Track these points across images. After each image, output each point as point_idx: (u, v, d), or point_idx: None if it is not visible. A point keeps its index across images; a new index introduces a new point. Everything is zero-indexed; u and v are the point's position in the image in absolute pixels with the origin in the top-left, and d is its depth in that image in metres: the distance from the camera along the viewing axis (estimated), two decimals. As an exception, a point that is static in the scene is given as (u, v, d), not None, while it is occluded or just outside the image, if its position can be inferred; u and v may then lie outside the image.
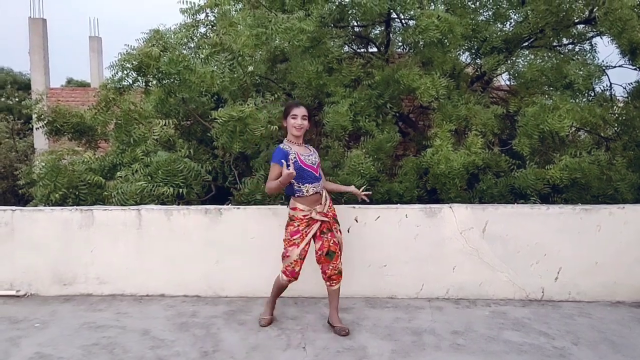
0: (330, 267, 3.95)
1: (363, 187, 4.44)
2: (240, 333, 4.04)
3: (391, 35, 6.66)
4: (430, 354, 3.68)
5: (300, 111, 3.94)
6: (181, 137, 5.99)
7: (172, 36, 5.74)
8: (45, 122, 6.05)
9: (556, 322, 4.18)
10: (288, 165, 3.80)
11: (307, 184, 3.92)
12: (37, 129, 6.00)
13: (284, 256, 3.98)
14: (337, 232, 4.01)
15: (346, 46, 6.67)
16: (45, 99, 6.28)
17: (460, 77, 6.58)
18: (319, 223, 3.94)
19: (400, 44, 6.88)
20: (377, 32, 6.90)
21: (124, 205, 4.80)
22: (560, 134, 5.43)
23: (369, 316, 4.31)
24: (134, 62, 5.28)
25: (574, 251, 4.49)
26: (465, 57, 6.66)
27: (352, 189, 4.34)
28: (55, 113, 6.06)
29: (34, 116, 6.06)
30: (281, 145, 4.00)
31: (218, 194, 5.77)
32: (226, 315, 4.36)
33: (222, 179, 5.80)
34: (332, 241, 3.95)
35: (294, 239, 3.93)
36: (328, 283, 4.01)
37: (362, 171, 5.45)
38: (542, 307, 4.45)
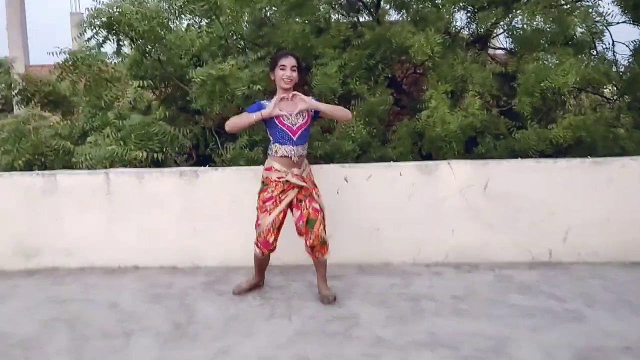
0: (312, 237, 3.43)
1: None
2: (218, 303, 3.57)
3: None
4: (430, 320, 3.22)
5: (289, 61, 3.41)
6: (160, 103, 5.48)
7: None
8: (15, 91, 5.53)
9: (566, 285, 3.71)
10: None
11: (277, 143, 3.43)
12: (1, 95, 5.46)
13: (256, 225, 3.50)
14: (316, 196, 3.50)
15: (333, 6, 6.14)
16: (13, 68, 5.73)
17: (456, 39, 6.10)
18: (296, 189, 3.43)
19: (389, 6, 6.39)
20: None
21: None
22: (563, 90, 4.95)
23: (361, 283, 3.83)
24: (103, 19, 4.77)
25: (583, 208, 4.01)
26: (460, 18, 6.17)
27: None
28: (25, 81, 5.53)
29: (3, 85, 5.53)
30: (263, 100, 3.54)
31: (199, 161, 5.26)
32: (204, 285, 3.88)
33: (204, 146, 5.30)
34: (311, 207, 3.45)
35: (266, 205, 3.45)
36: (312, 256, 3.52)
37: (353, 135, 4.96)
38: (551, 270, 3.98)
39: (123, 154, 4.41)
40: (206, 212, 4.15)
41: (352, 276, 3.97)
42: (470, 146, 5.26)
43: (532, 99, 5.01)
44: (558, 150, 4.99)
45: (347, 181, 4.10)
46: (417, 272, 4.01)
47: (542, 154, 4.84)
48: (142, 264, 4.22)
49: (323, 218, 3.49)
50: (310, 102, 3.40)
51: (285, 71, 3.40)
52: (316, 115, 3.54)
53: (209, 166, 4.35)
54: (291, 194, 3.44)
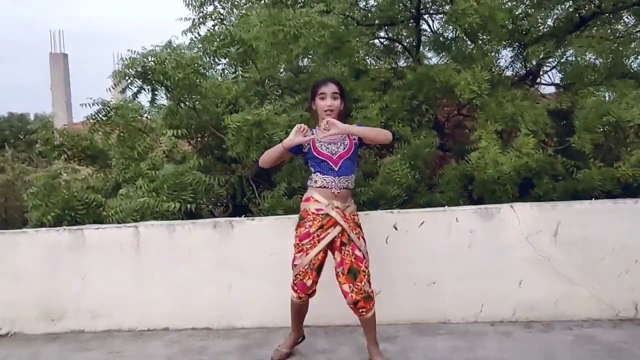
0: (354, 290, 2.94)
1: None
2: (256, 372, 3.05)
3: (422, 34, 5.80)
4: (508, 394, 2.62)
5: (330, 89, 3.04)
6: (196, 153, 5.16)
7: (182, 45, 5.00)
8: (51, 146, 5.31)
9: (664, 347, 3.05)
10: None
11: (317, 173, 3.03)
12: (39, 151, 5.23)
13: (292, 266, 3.04)
14: (359, 239, 3.00)
15: (373, 47, 5.82)
16: (52, 125, 5.55)
17: (502, 77, 5.67)
18: (338, 228, 2.96)
19: (428, 49, 6.04)
20: (406, 32, 6.04)
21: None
22: (631, 124, 4.40)
23: (418, 346, 3.27)
24: (137, 68, 4.53)
25: (674, 255, 3.38)
26: (506, 55, 5.75)
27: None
28: (63, 136, 5.32)
29: (39, 141, 5.32)
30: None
31: (236, 212, 4.87)
32: (240, 350, 3.38)
33: (241, 195, 4.91)
34: (354, 255, 2.96)
35: (303, 244, 3.00)
36: (356, 312, 3.01)
37: (398, 179, 4.51)
38: (639, 328, 3.33)
39: (155, 206, 4.05)
40: (242, 266, 3.71)
41: (407, 337, 3.41)
42: (525, 189, 4.72)
43: (593, 136, 4.49)
44: (627, 191, 4.39)
45: (396, 229, 3.61)
46: (482, 332, 3.42)
47: (609, 195, 4.27)
48: (172, 326, 3.76)
49: (367, 268, 2.99)
50: (341, 126, 2.92)
51: (326, 100, 3.03)
52: (360, 142, 3.11)
53: (245, 216, 3.92)
54: (333, 233, 2.97)
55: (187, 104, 4.89)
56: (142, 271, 3.75)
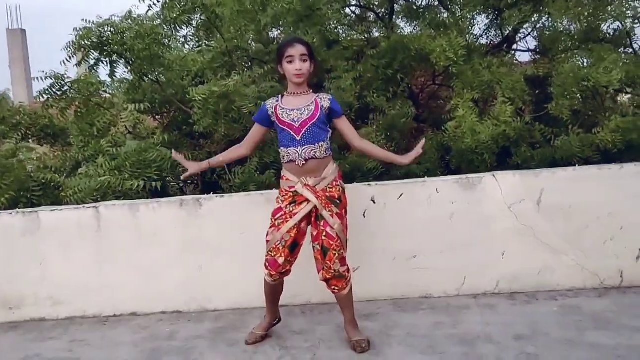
0: (325, 268, 2.72)
1: (420, 144, 3.00)
2: (229, 357, 2.81)
3: (394, 2, 5.49)
4: (497, 371, 2.43)
5: (297, 50, 2.70)
6: (162, 128, 4.81)
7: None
8: (8, 125, 4.89)
9: (651, 315, 2.91)
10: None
11: (282, 147, 2.79)
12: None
13: (266, 242, 2.80)
14: (332, 216, 2.71)
15: (345, 16, 5.50)
16: (8, 102, 5.12)
17: (477, 46, 5.42)
18: (311, 204, 2.72)
19: (402, 15, 5.75)
20: (378, 1, 5.73)
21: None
22: (609, 89, 4.22)
23: (400, 323, 3.07)
24: (93, 39, 4.14)
25: (659, 220, 3.22)
26: (481, 22, 5.50)
27: (407, 157, 2.99)
28: (19, 114, 4.90)
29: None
30: (267, 102, 2.87)
31: (206, 189, 4.56)
32: (212, 334, 3.13)
33: (210, 172, 4.60)
34: (325, 232, 2.70)
35: (275, 219, 2.77)
36: (329, 288, 2.80)
37: (374, 151, 4.25)
38: (625, 296, 3.20)
39: (117, 185, 3.72)
40: (213, 246, 3.43)
41: (388, 314, 3.21)
42: (503, 158, 4.53)
43: (570, 102, 4.30)
44: (606, 157, 4.24)
45: (374, 202, 3.38)
46: (465, 306, 3.24)
47: (587, 162, 4.10)
48: (140, 310, 3.49)
49: (340, 246, 2.72)
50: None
51: (294, 64, 2.71)
52: (331, 113, 2.83)
53: (215, 193, 3.62)
54: (305, 209, 2.73)
55: (150, 77, 4.53)
56: (105, 254, 3.45)
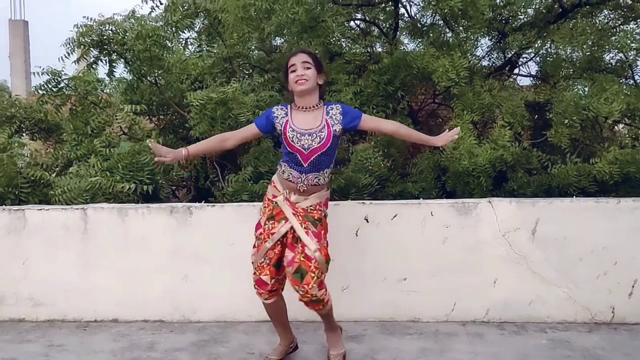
0: (301, 292, 2.52)
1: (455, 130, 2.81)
2: (209, 373, 2.70)
3: (399, 18, 5.44)
4: (483, 407, 2.34)
5: (299, 58, 2.56)
6: (158, 131, 4.71)
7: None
8: (3, 117, 4.77)
9: (641, 354, 2.83)
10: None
11: (285, 163, 2.64)
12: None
13: (251, 262, 2.68)
14: (308, 234, 2.53)
15: (349, 29, 5.43)
16: (4, 93, 5.03)
17: (479, 68, 5.37)
18: (289, 223, 2.56)
19: (405, 34, 5.70)
20: (383, 15, 5.67)
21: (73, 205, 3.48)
22: (609, 120, 4.17)
23: (386, 347, 2.97)
24: (93, 37, 4.05)
25: (653, 258, 3.15)
26: (484, 44, 5.45)
27: (440, 139, 2.79)
28: (14, 107, 4.78)
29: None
30: (276, 107, 2.69)
31: (199, 195, 4.47)
32: (194, 347, 3.02)
33: (204, 179, 4.51)
34: (303, 254, 2.51)
35: (257, 237, 2.64)
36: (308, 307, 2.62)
37: (370, 167, 4.19)
38: (615, 333, 3.11)
39: (108, 186, 3.63)
40: (200, 255, 3.33)
41: (375, 337, 3.11)
42: (499, 182, 4.47)
43: (570, 130, 4.24)
44: (603, 188, 4.18)
45: (367, 221, 3.28)
46: (453, 332, 3.15)
47: (584, 192, 4.04)
48: (122, 317, 3.38)
49: (318, 269, 2.50)
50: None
51: (297, 71, 2.55)
52: (351, 128, 2.67)
53: (206, 202, 3.53)
54: (284, 228, 2.57)
55: (149, 78, 4.44)
56: (90, 257, 3.34)
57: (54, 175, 3.99)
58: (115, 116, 4.12)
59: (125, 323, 3.35)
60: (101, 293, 3.36)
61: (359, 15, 5.84)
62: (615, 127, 5.33)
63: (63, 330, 3.29)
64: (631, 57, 4.97)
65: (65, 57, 4.06)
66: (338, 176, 4.13)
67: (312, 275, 2.49)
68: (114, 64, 4.26)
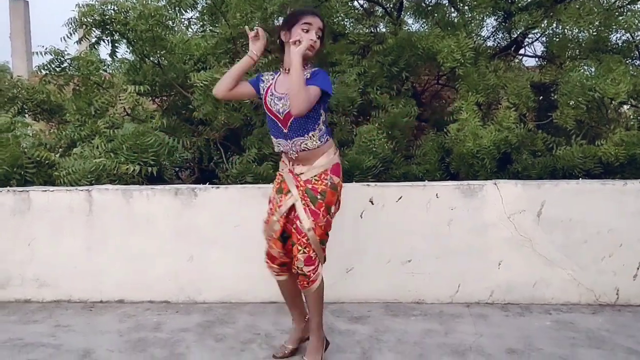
0: (295, 263, 2.45)
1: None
2: (216, 353, 2.70)
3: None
4: (489, 388, 2.34)
5: (316, 22, 2.36)
6: (161, 112, 4.65)
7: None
8: (5, 98, 4.71)
9: (645, 336, 2.82)
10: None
11: (272, 137, 2.54)
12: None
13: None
14: (305, 211, 2.42)
15: (352, 9, 5.32)
16: (6, 74, 4.95)
17: (484, 48, 5.27)
18: (294, 196, 2.45)
19: (410, 14, 5.60)
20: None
21: (78, 187, 3.45)
22: (617, 100, 4.10)
23: (391, 328, 2.96)
24: (95, 17, 3.98)
25: (659, 240, 3.12)
26: (489, 25, 5.34)
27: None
28: (16, 88, 4.72)
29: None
30: (266, 72, 2.60)
31: (203, 176, 4.44)
32: (200, 328, 3.01)
33: (208, 160, 4.47)
34: (295, 225, 2.45)
35: (268, 210, 2.56)
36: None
37: (374, 149, 4.13)
38: (619, 314, 3.10)
39: (112, 168, 3.59)
40: (205, 237, 3.31)
41: (379, 318, 3.10)
42: (503, 164, 4.42)
43: (576, 112, 4.18)
44: (608, 170, 4.13)
45: (372, 203, 3.25)
46: (457, 314, 3.14)
47: (589, 173, 4.00)
48: (128, 298, 3.37)
49: (306, 245, 2.41)
50: (296, 59, 2.27)
51: (310, 33, 2.35)
52: (325, 97, 2.44)
53: (210, 183, 3.50)
54: (289, 201, 2.46)
55: (152, 59, 4.37)
56: (95, 239, 3.32)
57: (58, 156, 3.96)
58: (119, 97, 4.07)
59: (131, 304, 3.35)
60: (106, 274, 3.35)
61: (363, -5, 5.74)
62: (621, 109, 5.27)
63: (69, 310, 3.29)
64: (638, 38, 4.88)
65: (67, 37, 3.99)
66: (342, 158, 4.09)
67: (299, 248, 2.42)
68: (116, 44, 4.19)
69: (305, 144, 2.43)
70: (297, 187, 2.45)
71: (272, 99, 2.44)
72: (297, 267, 2.43)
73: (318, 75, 2.41)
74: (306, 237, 2.41)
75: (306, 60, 2.39)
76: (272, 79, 2.53)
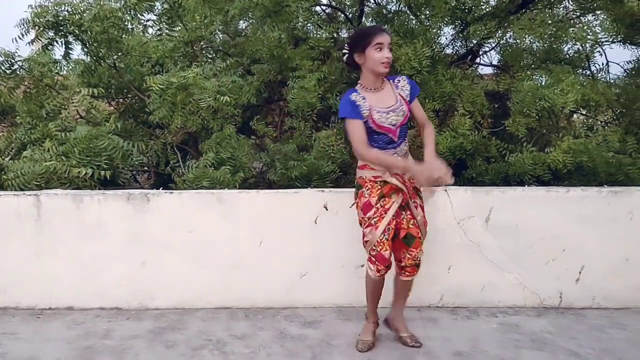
0: (407, 256, 2.73)
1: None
2: (165, 360, 2.69)
3: (364, 4, 5.41)
4: (432, 390, 2.41)
5: (387, 39, 2.57)
6: (118, 116, 4.60)
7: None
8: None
9: (585, 337, 2.96)
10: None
11: (374, 150, 2.65)
12: None
13: (364, 243, 2.70)
14: (417, 207, 2.74)
15: (314, 14, 5.37)
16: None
17: (441, 57, 5.40)
18: (400, 194, 2.66)
19: (371, 20, 5.69)
20: (349, 1, 5.63)
21: (26, 191, 3.39)
22: (565, 110, 4.28)
23: (343, 332, 3.01)
24: (48, 18, 3.91)
25: (600, 245, 3.29)
26: (447, 33, 5.48)
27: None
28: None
29: None
30: (351, 95, 2.65)
31: (159, 180, 4.40)
32: (151, 334, 3.00)
33: (165, 164, 4.44)
34: (411, 221, 2.71)
35: (369, 218, 2.64)
36: (400, 272, 2.82)
37: (332, 154, 4.20)
38: (562, 317, 3.23)
39: (63, 171, 3.53)
40: (158, 242, 3.30)
41: (331, 323, 3.15)
42: (458, 169, 4.54)
43: (527, 120, 4.33)
44: (556, 177, 4.29)
45: (327, 209, 3.29)
46: (408, 318, 3.18)
47: (539, 180, 4.15)
48: (77, 305, 3.33)
49: (424, 235, 2.79)
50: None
51: (384, 51, 2.56)
52: (412, 97, 2.78)
53: (164, 188, 3.48)
54: (398, 201, 2.66)
55: (107, 61, 4.32)
56: (44, 244, 3.26)
57: (7, 159, 3.88)
58: (72, 99, 4.00)
59: (80, 311, 3.30)
60: (56, 280, 3.30)
61: (324, 1, 5.80)
62: (573, 117, 5.48)
63: (16, 317, 3.22)
64: (588, 49, 5.09)
65: (19, 38, 3.92)
66: (300, 163, 4.13)
67: (420, 241, 2.73)
68: (70, 46, 4.13)
69: (406, 146, 2.76)
70: (406, 186, 2.67)
71: (380, 116, 2.61)
72: (417, 259, 2.75)
73: (414, 88, 2.80)
74: (423, 230, 2.76)
75: (384, 76, 2.67)
76: (364, 99, 2.63)
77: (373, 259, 2.69)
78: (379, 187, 2.66)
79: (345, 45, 2.74)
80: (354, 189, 2.82)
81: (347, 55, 2.70)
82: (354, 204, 2.81)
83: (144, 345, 2.87)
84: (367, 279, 2.80)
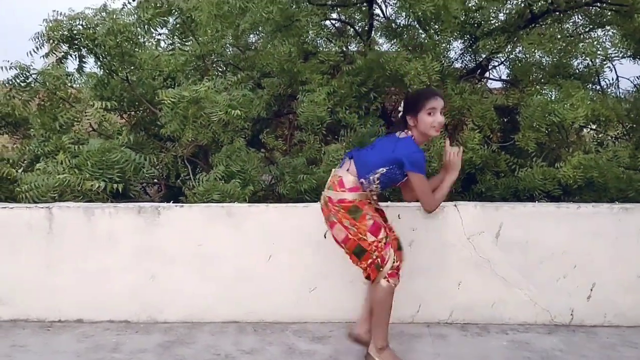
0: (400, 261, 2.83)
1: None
2: (174, 375, 2.69)
3: (374, 19, 5.44)
4: (442, 410, 2.38)
5: (440, 104, 2.63)
6: (129, 128, 4.64)
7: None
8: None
9: (596, 355, 2.93)
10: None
11: (377, 186, 2.75)
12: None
13: (382, 263, 2.66)
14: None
15: (323, 28, 5.41)
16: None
17: (450, 71, 5.41)
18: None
19: (380, 34, 5.72)
20: (358, 15, 5.66)
21: (39, 203, 3.41)
22: (574, 125, 4.25)
23: (351, 348, 2.98)
24: (63, 32, 3.97)
25: (611, 262, 3.25)
26: (456, 47, 5.49)
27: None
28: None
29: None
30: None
31: (170, 193, 4.43)
32: (160, 348, 3.00)
33: (175, 177, 4.46)
34: (393, 233, 2.91)
35: (385, 238, 2.68)
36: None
37: (341, 168, 4.19)
38: (573, 335, 3.18)
39: (76, 184, 3.56)
40: (168, 256, 3.30)
41: (340, 338, 3.13)
42: (467, 184, 4.54)
43: (537, 135, 4.32)
44: (566, 192, 4.27)
45: (336, 223, 3.27)
46: (417, 334, 3.19)
47: (549, 195, 4.13)
48: (87, 317, 3.33)
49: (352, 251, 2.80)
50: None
51: (436, 116, 2.63)
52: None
53: (175, 201, 3.50)
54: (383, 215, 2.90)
55: (120, 74, 4.37)
56: (55, 257, 3.28)
57: (20, 171, 3.92)
58: (85, 112, 4.05)
59: (90, 323, 3.30)
60: (66, 293, 3.30)
61: (334, 15, 5.84)
62: (583, 132, 5.45)
63: (26, 330, 3.23)
64: (597, 64, 5.09)
65: (34, 51, 3.98)
66: (309, 177, 4.14)
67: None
68: (83, 59, 4.19)
69: None
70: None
71: None
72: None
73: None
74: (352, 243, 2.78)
75: (432, 138, 2.86)
76: None
77: (397, 271, 2.72)
78: (373, 208, 2.76)
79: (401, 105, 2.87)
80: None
81: (400, 114, 2.80)
82: (356, 220, 2.69)
83: (152, 359, 2.86)
84: (387, 292, 2.70)
